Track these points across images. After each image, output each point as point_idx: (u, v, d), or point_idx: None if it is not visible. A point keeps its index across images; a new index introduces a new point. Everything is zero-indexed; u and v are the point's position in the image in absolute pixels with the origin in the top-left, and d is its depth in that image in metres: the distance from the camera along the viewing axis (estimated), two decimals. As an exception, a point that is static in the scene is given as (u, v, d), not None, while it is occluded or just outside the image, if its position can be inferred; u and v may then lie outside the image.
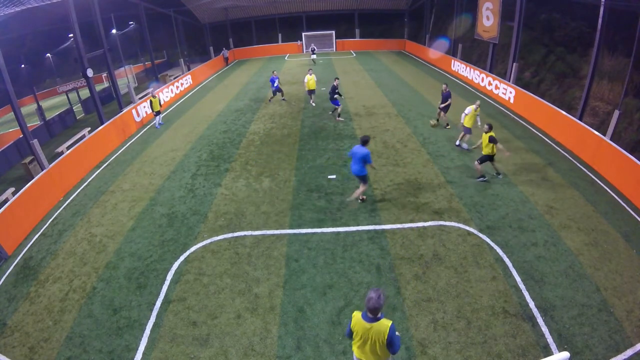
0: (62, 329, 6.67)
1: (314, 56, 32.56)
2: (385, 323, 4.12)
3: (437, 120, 14.79)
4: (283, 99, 20.05)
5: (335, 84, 16.27)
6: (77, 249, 8.84)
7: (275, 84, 19.14)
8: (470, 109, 12.18)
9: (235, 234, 8.86)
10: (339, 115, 16.57)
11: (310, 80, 18.31)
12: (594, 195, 9.81)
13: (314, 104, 18.83)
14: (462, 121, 12.40)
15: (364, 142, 9.07)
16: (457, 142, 12.95)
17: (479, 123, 12.62)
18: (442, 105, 14.47)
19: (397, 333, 4.22)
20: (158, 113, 17.46)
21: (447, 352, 5.80)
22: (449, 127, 14.76)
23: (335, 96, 16.20)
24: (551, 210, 9.15)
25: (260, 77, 26.84)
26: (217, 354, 5.99)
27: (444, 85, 14.76)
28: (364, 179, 9.44)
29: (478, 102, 12.45)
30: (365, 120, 16.03)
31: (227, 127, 16.45)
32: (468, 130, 12.41)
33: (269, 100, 19.82)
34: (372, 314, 4.08)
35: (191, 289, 7.32)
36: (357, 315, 4.24)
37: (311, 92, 18.71)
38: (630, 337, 5.87)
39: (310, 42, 36.84)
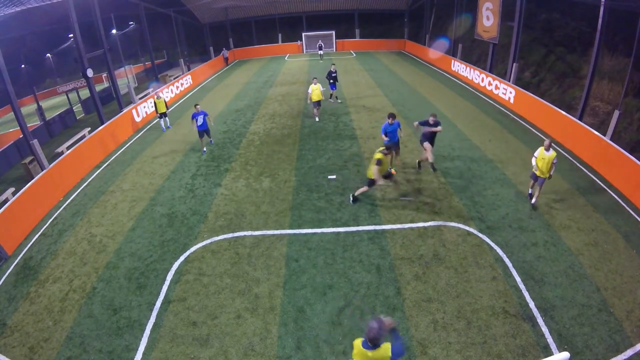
0: (62, 329, 6.67)
1: (322, 52, 33.07)
2: (385, 347, 4.17)
3: (419, 165, 11.54)
4: (203, 151, 13.60)
5: (332, 69, 18.22)
6: (77, 249, 8.84)
7: (201, 122, 13.29)
8: (539, 151, 9.02)
9: (235, 234, 8.86)
10: (330, 97, 18.89)
11: (315, 90, 15.73)
12: (593, 195, 9.81)
13: (317, 119, 16.30)
14: (533, 164, 9.12)
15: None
16: (531, 196, 9.54)
17: (552, 172, 8.94)
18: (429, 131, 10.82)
19: (398, 342, 4.28)
20: (163, 115, 16.67)
21: (447, 352, 5.80)
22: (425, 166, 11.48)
23: (331, 81, 18.28)
24: (551, 211, 9.15)
25: (260, 77, 26.85)
26: (217, 354, 5.99)
27: (431, 118, 10.78)
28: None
29: (548, 142, 8.85)
30: (365, 120, 16.03)
31: (227, 127, 16.45)
32: (541, 181, 9.03)
33: (203, 152, 13.61)
34: (372, 343, 4.15)
35: (191, 289, 7.33)
36: (357, 344, 4.31)
37: (316, 104, 15.96)
38: (630, 337, 5.88)
39: (312, 41, 36.91)
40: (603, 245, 7.93)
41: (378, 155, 9.14)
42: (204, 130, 13.64)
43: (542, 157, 8.95)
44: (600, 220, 8.75)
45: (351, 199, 9.87)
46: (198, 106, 13.56)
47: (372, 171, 9.20)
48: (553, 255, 7.70)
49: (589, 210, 9.16)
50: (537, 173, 9.11)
